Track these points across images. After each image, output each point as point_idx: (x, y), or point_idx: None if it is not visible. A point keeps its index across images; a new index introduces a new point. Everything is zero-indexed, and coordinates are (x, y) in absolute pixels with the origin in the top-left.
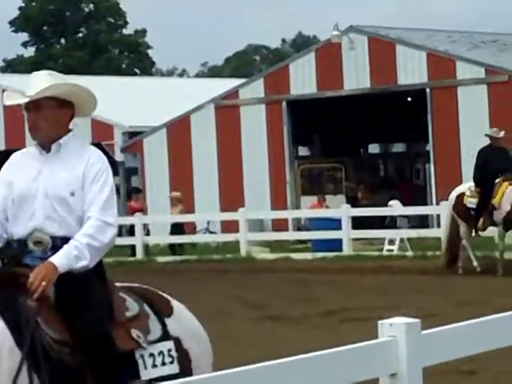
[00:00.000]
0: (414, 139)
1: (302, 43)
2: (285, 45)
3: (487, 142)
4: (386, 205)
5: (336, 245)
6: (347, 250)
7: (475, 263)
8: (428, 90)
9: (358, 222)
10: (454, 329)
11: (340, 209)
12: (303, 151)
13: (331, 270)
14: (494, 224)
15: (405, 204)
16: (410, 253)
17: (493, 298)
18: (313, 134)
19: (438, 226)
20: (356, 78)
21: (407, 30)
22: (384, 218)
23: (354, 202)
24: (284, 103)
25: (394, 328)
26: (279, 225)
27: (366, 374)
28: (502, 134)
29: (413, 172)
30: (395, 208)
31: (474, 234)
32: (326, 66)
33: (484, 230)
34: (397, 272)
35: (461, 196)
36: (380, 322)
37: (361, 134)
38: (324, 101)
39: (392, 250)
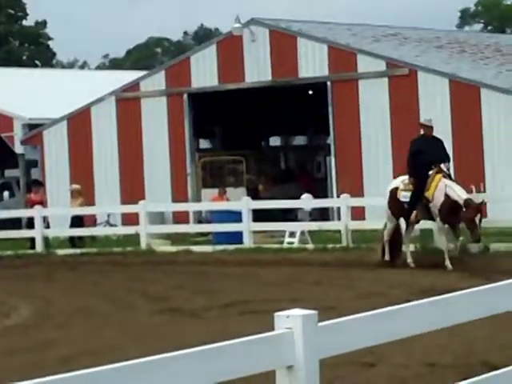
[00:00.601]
0: (315, 132)
1: (203, 36)
2: (187, 37)
3: (387, 135)
4: (286, 197)
5: (237, 237)
6: (248, 242)
7: (387, 257)
8: (329, 83)
9: (260, 215)
10: (351, 320)
11: (241, 201)
12: (204, 144)
13: (232, 263)
14: (429, 218)
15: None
16: (310, 245)
17: (390, 289)
18: (214, 127)
19: (339, 218)
20: (257, 70)
21: (308, 22)
22: (285, 210)
23: (254, 195)
24: (185, 96)
25: (291, 320)
26: (180, 217)
27: (263, 366)
28: (433, 123)
29: (314, 165)
30: (300, 201)
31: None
32: (227, 59)
33: (417, 222)
34: (297, 264)
35: (394, 190)
36: (276, 314)
37: (262, 127)
38: (225, 93)
39: (293, 243)
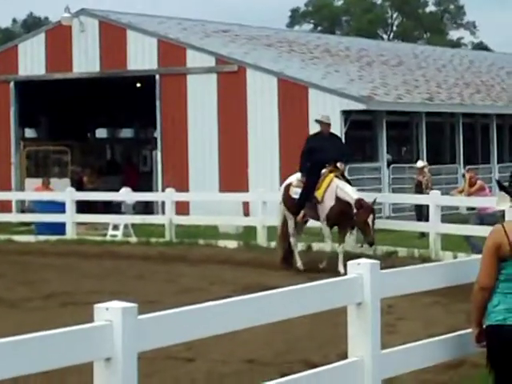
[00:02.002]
0: (143, 125)
1: (33, 24)
2: (15, 25)
3: (215, 130)
4: (111, 190)
5: (60, 228)
6: (71, 233)
7: (298, 263)
8: (157, 77)
9: (83, 206)
10: (170, 315)
11: (64, 192)
12: (30, 133)
13: (54, 254)
14: (318, 218)
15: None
16: (133, 238)
17: (212, 285)
18: (40, 116)
19: (163, 212)
20: (86, 61)
21: (139, 15)
22: (109, 202)
23: (79, 186)
24: (12, 84)
25: (110, 312)
26: (3, 206)
27: (80, 358)
28: (330, 120)
29: (140, 158)
30: (122, 193)
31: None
32: (55, 48)
33: (305, 223)
34: (120, 257)
35: (288, 186)
36: (96, 305)
37: (89, 118)
38: (53, 83)
39: (116, 236)
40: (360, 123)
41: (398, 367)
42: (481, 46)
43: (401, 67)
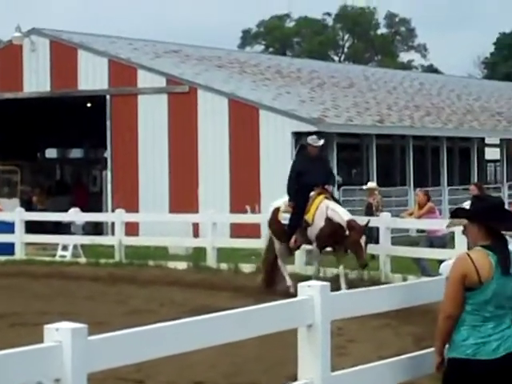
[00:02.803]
0: (93, 145)
1: None
2: None
3: (165, 151)
4: (61, 210)
5: (9, 248)
6: (20, 254)
7: (289, 283)
8: (108, 97)
9: (33, 227)
10: (121, 336)
11: (13, 212)
12: None
13: (2, 274)
14: (309, 242)
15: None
16: (82, 259)
17: (161, 307)
18: None
19: (113, 233)
20: (36, 80)
21: (90, 35)
22: (59, 223)
23: (28, 206)
24: None
25: (60, 333)
26: None
27: (30, 379)
28: (321, 142)
29: (90, 178)
30: (71, 214)
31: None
32: (6, 67)
33: (297, 248)
34: (69, 278)
35: (276, 211)
36: (46, 326)
37: (39, 138)
38: (3, 102)
39: (65, 256)
40: None
41: None
42: (431, 69)
43: (352, 89)
